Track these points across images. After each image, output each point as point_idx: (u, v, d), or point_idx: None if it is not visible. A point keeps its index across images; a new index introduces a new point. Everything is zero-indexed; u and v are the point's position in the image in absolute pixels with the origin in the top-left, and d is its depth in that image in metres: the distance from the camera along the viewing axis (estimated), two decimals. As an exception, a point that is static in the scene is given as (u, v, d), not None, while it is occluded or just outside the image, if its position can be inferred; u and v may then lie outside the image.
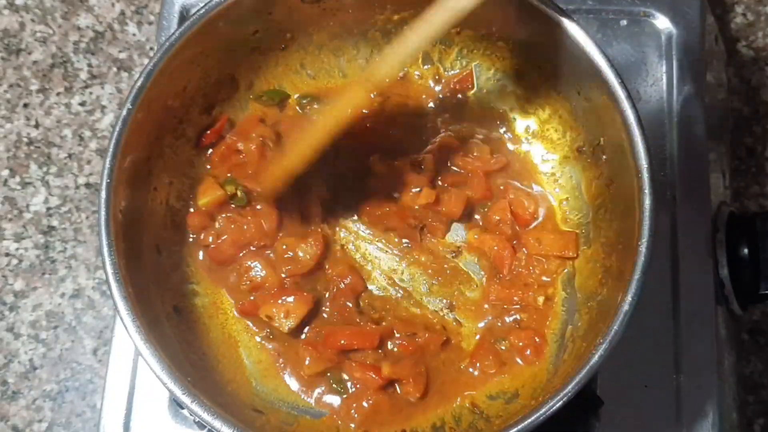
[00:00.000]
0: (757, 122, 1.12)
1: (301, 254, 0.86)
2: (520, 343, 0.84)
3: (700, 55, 0.98)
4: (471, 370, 0.84)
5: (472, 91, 0.93)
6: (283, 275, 0.86)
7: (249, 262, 0.86)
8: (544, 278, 0.86)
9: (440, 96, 0.93)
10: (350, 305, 0.86)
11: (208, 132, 0.89)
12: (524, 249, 0.87)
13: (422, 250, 0.89)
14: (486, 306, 0.87)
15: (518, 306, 0.86)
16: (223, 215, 0.88)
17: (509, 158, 0.91)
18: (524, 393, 0.82)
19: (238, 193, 0.88)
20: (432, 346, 0.85)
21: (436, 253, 0.89)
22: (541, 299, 0.86)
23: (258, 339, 0.86)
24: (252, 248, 0.87)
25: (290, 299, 0.84)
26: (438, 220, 0.89)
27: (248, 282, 0.86)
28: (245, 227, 0.87)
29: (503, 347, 0.85)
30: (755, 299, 0.94)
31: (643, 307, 0.72)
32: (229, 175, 0.89)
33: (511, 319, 0.86)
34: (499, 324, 0.86)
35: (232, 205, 0.88)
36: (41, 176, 1.09)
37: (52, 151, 1.10)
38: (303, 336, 0.85)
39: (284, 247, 0.87)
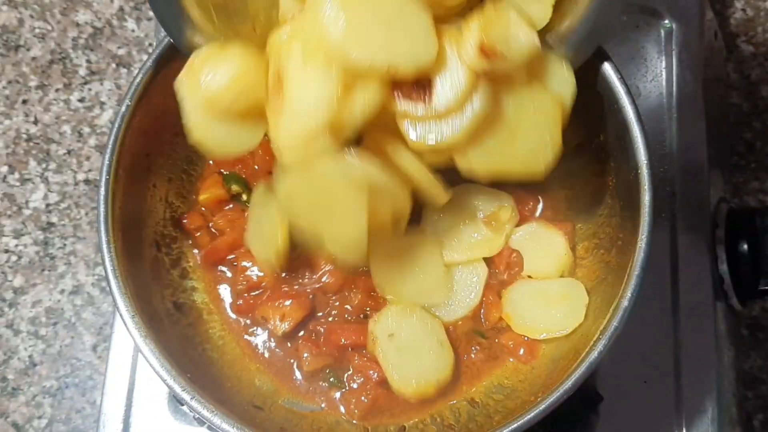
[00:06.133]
0: (757, 118, 1.11)
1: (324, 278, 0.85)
2: (511, 343, 0.83)
3: (699, 50, 0.98)
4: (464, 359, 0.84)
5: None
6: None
7: (245, 262, 0.85)
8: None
9: None
10: (350, 308, 0.86)
11: None
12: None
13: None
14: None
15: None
16: (227, 208, 0.87)
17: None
18: (523, 389, 0.82)
19: (244, 196, 0.87)
20: None
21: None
22: None
23: (257, 336, 0.86)
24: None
25: (288, 303, 0.83)
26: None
27: (245, 282, 0.85)
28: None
29: (496, 341, 0.84)
30: (754, 295, 0.94)
31: (642, 303, 0.72)
32: (226, 172, 0.88)
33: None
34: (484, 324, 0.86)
35: (236, 203, 0.88)
36: (40, 172, 1.09)
37: (51, 147, 1.10)
38: (301, 333, 0.85)
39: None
